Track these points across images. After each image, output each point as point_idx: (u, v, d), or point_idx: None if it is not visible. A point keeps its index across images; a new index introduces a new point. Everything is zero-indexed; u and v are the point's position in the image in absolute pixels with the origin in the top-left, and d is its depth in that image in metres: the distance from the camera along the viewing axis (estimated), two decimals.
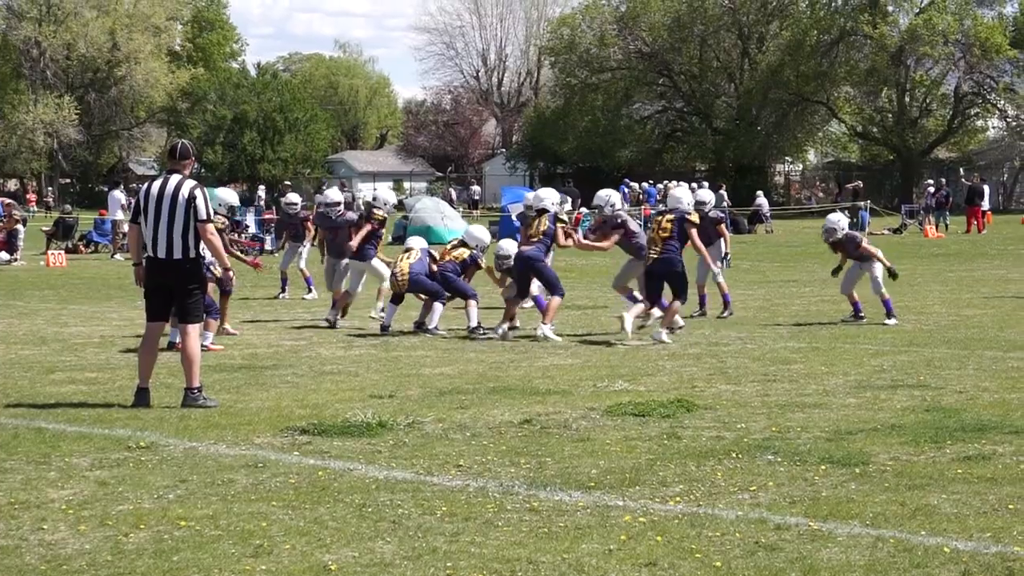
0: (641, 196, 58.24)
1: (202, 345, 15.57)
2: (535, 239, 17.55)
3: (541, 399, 12.17)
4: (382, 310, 19.12)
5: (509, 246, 18.22)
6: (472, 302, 17.85)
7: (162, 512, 7.96)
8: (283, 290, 24.64)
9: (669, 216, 17.31)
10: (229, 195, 20.39)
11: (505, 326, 17.37)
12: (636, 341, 16.62)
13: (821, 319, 18.97)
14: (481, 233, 18.98)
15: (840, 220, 19.41)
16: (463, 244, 18.61)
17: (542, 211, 17.73)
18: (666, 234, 17.13)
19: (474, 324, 17.68)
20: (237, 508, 8.05)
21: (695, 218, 17.53)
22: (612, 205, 17.92)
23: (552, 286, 17.39)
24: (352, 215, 20.76)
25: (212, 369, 13.86)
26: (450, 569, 6.80)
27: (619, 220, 17.90)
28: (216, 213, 16.76)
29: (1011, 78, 76.03)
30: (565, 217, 19.17)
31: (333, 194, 21.04)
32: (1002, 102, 77.50)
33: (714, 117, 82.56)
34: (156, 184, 12.11)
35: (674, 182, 60.04)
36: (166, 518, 7.81)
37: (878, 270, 18.67)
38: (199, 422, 11.04)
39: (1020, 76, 75.24)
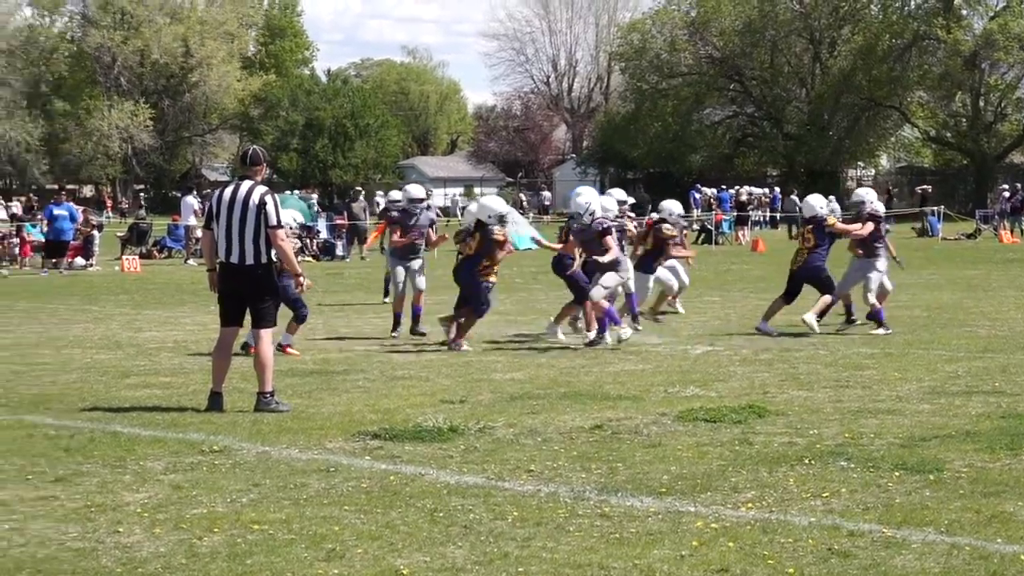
0: (713, 202, 58.10)
1: (279, 346, 15.76)
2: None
3: (612, 404, 12.15)
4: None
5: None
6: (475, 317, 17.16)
7: (235, 516, 8.01)
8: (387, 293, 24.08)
9: (810, 226, 18.24)
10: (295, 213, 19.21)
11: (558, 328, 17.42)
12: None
13: (895, 325, 18.79)
14: (495, 203, 17.59)
15: (869, 193, 19.21)
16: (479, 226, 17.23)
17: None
18: (811, 244, 18.16)
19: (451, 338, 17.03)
20: (309, 512, 8.09)
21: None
22: (591, 213, 17.18)
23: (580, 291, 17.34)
24: (432, 214, 20.31)
25: (284, 374, 13.93)
26: (521, 574, 6.80)
27: (602, 227, 17.14)
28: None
29: None
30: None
31: (416, 190, 19.47)
32: None
33: (785, 122, 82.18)
34: (228, 190, 12.18)
35: (746, 187, 59.95)
36: (239, 522, 7.86)
37: (875, 278, 18.34)
38: (272, 426, 11.10)
39: None
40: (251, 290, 12.07)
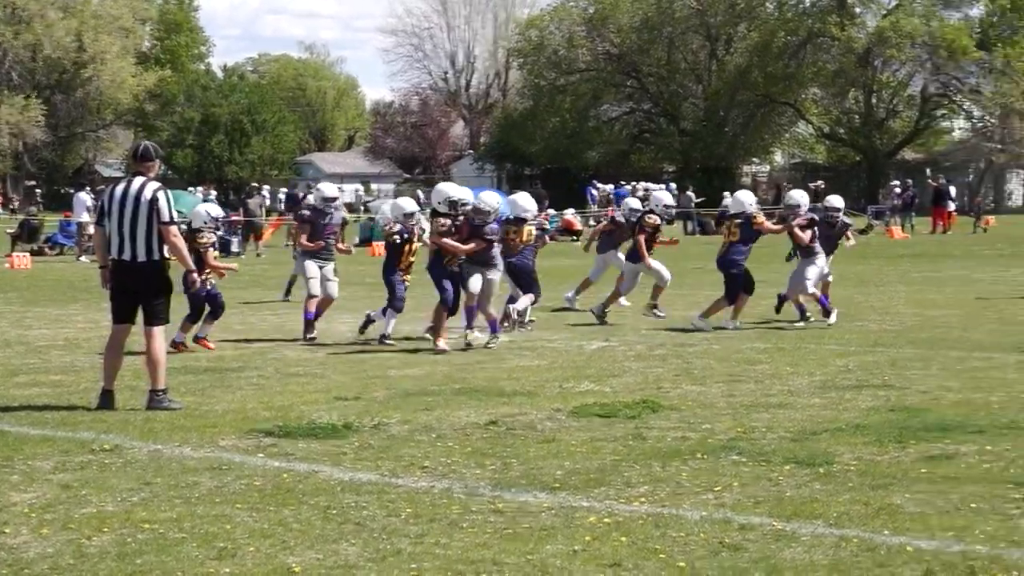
0: (611, 197, 58.30)
1: (196, 337, 16.27)
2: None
3: (507, 400, 12.17)
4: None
5: None
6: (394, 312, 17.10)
7: (125, 515, 7.93)
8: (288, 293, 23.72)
9: (737, 221, 18.40)
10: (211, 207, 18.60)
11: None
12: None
13: (788, 319, 18.96)
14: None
15: (804, 197, 19.47)
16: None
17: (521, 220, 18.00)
18: (735, 238, 18.38)
19: (387, 332, 16.92)
20: (201, 511, 8.03)
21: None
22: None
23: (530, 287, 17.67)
24: (344, 214, 19.95)
25: (177, 371, 13.82)
26: (414, 571, 6.79)
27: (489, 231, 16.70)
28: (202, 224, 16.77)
29: (977, 80, 76.45)
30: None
31: (328, 188, 18.74)
32: (968, 104, 77.99)
33: (682, 118, 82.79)
34: (120, 186, 12.07)
35: (643, 183, 60.23)
36: (129, 521, 7.78)
37: (812, 272, 18.61)
38: (164, 425, 11.00)
39: (986, 78, 75.61)
40: (143, 287, 11.96)
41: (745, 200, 18.76)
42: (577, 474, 8.96)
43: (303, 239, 18.26)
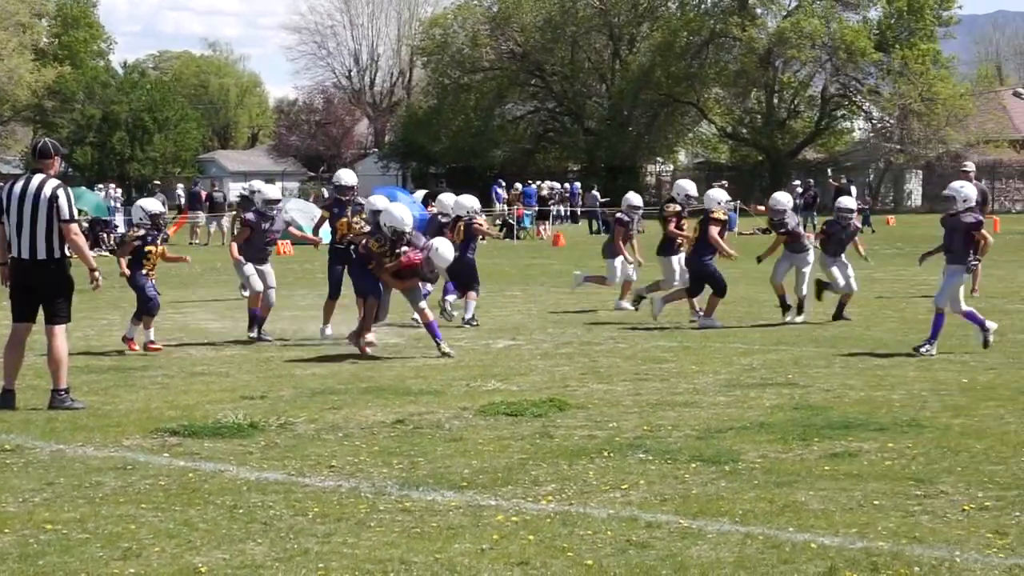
0: (519, 196, 58.36)
1: (148, 343, 16.07)
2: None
3: (414, 399, 12.16)
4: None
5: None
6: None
7: (27, 516, 7.83)
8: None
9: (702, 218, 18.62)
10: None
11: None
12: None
13: (692, 317, 19.08)
14: (471, 202, 19.07)
15: (788, 201, 19.65)
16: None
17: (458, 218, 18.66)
18: (698, 236, 18.59)
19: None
20: (105, 511, 7.95)
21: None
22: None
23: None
24: (286, 216, 20.04)
25: (80, 371, 13.67)
26: (322, 570, 6.76)
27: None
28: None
29: (876, 81, 77.33)
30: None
31: (271, 190, 18.23)
32: (867, 104, 78.82)
33: (586, 118, 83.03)
34: (19, 184, 11.93)
35: (548, 182, 60.38)
36: (32, 522, 7.69)
37: (808, 268, 18.98)
38: (66, 424, 10.88)
39: (884, 79, 76.50)
40: (44, 286, 11.83)
41: (716, 198, 18.86)
42: (485, 473, 8.97)
43: (235, 246, 17.62)
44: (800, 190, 53.37)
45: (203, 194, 53.83)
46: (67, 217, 11.76)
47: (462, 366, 14.54)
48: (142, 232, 16.71)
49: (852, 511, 7.85)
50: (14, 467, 9.23)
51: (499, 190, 59.89)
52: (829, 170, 70.13)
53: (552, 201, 58.27)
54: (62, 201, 11.74)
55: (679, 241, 19.66)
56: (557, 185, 64.09)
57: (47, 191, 11.74)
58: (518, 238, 50.01)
